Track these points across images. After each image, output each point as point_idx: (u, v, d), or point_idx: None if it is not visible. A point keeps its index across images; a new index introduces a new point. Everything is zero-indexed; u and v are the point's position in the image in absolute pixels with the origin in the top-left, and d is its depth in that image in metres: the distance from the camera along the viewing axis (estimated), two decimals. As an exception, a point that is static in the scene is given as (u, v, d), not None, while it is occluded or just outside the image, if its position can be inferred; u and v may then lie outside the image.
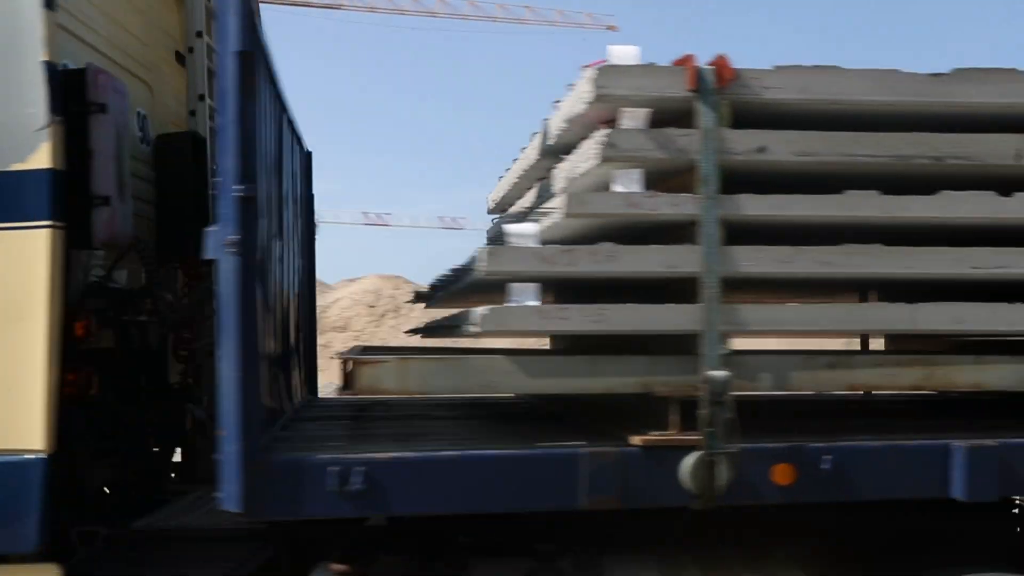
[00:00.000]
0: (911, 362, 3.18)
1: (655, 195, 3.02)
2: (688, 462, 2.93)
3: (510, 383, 3.00)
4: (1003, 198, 3.16)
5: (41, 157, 2.91)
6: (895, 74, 3.14)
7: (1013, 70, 3.20)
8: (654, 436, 2.97)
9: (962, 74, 3.17)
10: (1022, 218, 3.17)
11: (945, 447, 3.08)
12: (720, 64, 3.02)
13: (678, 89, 3.01)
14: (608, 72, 3.01)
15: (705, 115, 3.00)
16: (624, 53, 3.06)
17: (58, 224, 2.92)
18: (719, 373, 2.94)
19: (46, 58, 2.92)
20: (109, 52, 3.71)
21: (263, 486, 2.79)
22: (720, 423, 2.92)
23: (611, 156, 2.99)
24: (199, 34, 4.66)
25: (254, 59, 2.86)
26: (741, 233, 3.08)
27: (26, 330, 2.89)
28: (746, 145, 3.03)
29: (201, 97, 4.62)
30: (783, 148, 3.06)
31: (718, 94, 3.01)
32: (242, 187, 2.73)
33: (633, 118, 3.00)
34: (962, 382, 3.18)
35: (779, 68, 3.10)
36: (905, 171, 3.14)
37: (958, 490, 3.06)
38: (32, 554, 2.94)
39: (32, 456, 2.88)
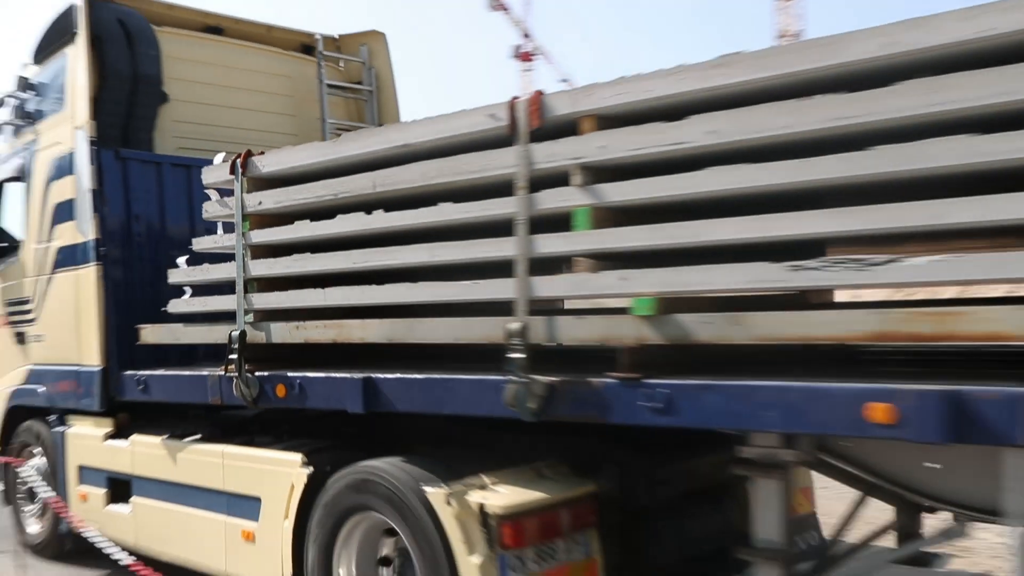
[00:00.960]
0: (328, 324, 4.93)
1: (222, 237, 5.47)
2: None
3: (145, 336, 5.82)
4: (368, 216, 4.71)
5: None
6: (334, 143, 4.95)
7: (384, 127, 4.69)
8: (216, 371, 5.43)
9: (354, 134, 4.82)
10: (384, 228, 4.65)
11: (350, 378, 4.82)
12: (242, 157, 5.29)
13: (228, 175, 5.38)
14: (208, 170, 5.56)
15: (237, 186, 5.32)
16: (217, 158, 5.56)
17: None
18: (237, 331, 5.27)
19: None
20: None
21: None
22: (238, 363, 5.25)
23: (207, 216, 5.56)
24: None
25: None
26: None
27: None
28: (255, 201, 5.25)
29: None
30: (269, 200, 5.17)
31: (243, 174, 5.29)
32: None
33: (213, 193, 5.51)
34: (356, 336, 4.81)
35: (272, 152, 5.21)
36: (334, 204, 4.94)
37: (349, 405, 4.81)
38: (99, 412, 6.80)
39: (95, 368, 6.70)
